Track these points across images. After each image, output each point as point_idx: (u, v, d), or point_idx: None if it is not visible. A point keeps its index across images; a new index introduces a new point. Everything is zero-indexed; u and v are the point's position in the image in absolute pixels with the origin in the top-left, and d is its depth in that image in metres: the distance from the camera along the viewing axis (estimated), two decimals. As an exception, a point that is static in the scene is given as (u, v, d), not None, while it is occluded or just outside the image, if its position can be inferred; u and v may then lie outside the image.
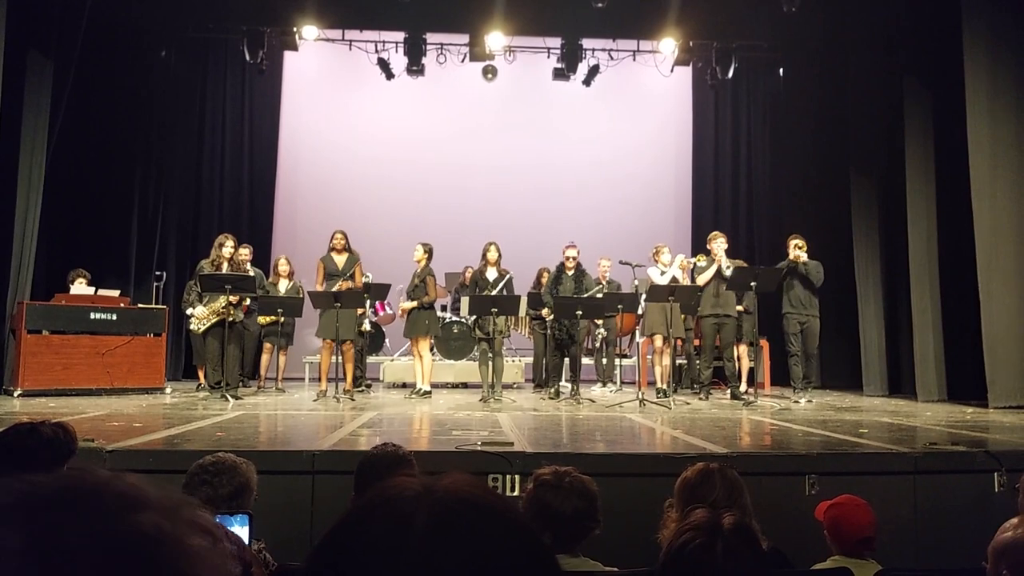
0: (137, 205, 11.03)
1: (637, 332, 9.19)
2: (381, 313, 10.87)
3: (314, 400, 8.15)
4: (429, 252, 8.79)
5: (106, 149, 10.67)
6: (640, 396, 7.75)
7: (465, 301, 8.71)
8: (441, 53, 12.17)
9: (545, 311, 8.98)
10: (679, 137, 13.38)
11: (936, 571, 3.23)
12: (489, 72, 12.45)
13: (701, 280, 8.64)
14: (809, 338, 8.63)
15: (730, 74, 12.08)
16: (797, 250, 8.64)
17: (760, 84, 12.79)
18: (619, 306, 8.46)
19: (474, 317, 8.87)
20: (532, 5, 10.91)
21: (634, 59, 12.56)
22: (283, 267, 9.57)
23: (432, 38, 12.02)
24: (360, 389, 9.22)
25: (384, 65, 12.17)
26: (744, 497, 2.71)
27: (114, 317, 8.62)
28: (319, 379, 8.75)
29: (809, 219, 10.82)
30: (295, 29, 11.67)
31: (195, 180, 11.97)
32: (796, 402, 8.34)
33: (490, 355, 8.42)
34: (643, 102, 13.30)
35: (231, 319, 8.12)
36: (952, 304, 8.76)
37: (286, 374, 9.97)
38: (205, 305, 8.38)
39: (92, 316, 8.51)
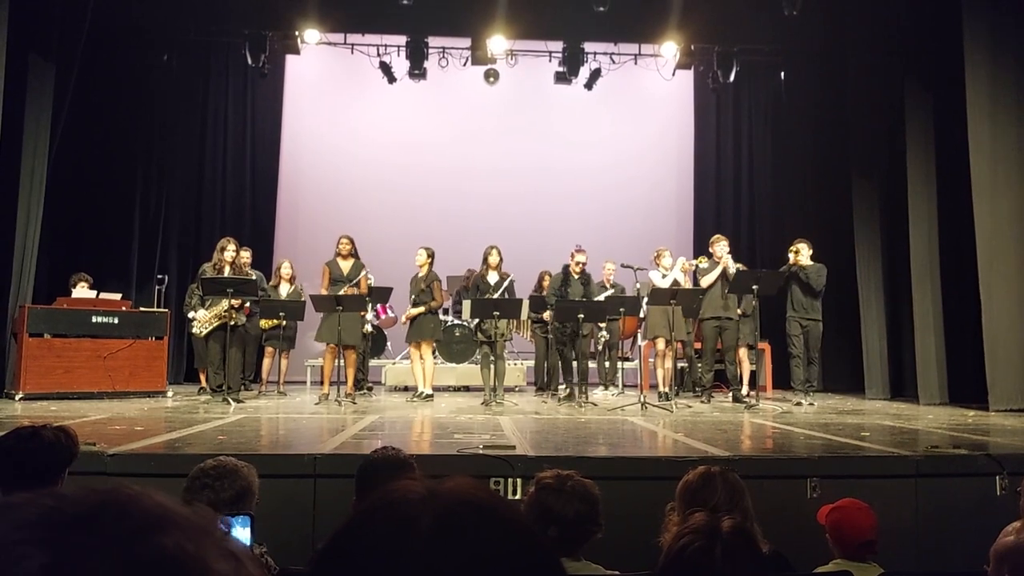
0: (139, 208, 11.06)
1: (639, 335, 9.20)
2: (383, 316, 10.87)
3: (316, 404, 8.15)
4: (432, 256, 8.81)
5: (108, 153, 10.69)
6: (642, 399, 7.74)
7: (467, 304, 8.73)
8: (443, 57, 12.18)
9: (547, 314, 8.98)
10: (681, 140, 13.38)
11: (937, 574, 3.23)
12: (491, 76, 12.46)
13: (705, 282, 8.63)
14: (811, 342, 8.62)
15: (731, 77, 12.09)
16: (795, 255, 8.63)
17: (761, 87, 12.81)
18: (621, 309, 8.46)
19: (476, 320, 8.88)
20: (534, 9, 10.93)
21: (636, 63, 12.57)
22: (285, 271, 9.58)
23: (434, 42, 12.03)
24: (362, 392, 9.23)
25: (386, 69, 12.18)
26: (745, 500, 2.70)
27: (116, 321, 8.63)
28: (321, 382, 8.75)
29: (810, 221, 10.83)
30: (297, 33, 11.70)
31: (197, 183, 11.99)
32: (798, 404, 8.35)
33: (492, 358, 8.43)
34: (645, 106, 13.30)
35: (233, 323, 8.12)
36: (953, 306, 8.76)
37: (288, 377, 9.97)
38: (207, 309, 8.39)
39: (94, 319, 8.51)
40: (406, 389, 9.82)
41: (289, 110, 12.93)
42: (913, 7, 9.27)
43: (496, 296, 8.48)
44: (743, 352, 8.99)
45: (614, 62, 12.47)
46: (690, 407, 8.04)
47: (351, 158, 12.84)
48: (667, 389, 8.57)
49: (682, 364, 9.75)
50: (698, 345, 9.51)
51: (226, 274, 8.12)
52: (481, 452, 4.48)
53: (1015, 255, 7.77)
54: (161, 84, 11.20)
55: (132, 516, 0.51)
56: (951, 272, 8.80)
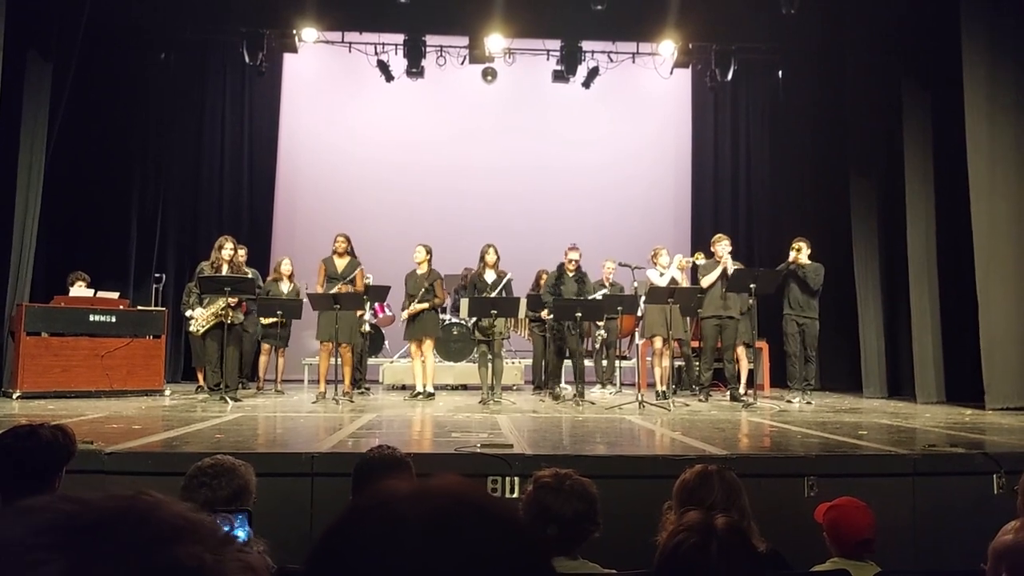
0: (136, 207, 11.05)
1: (636, 334, 9.20)
2: (380, 315, 10.86)
3: (313, 402, 8.14)
4: (431, 253, 8.81)
5: (105, 151, 10.68)
6: (640, 398, 7.75)
7: (465, 303, 8.74)
8: (441, 55, 12.17)
9: (544, 312, 8.98)
10: (678, 139, 13.37)
11: (935, 573, 3.23)
12: (488, 74, 12.46)
13: (706, 282, 8.64)
14: (808, 340, 8.64)
15: (729, 76, 12.08)
16: (796, 253, 8.66)
17: (759, 86, 12.81)
18: (619, 308, 8.47)
19: (473, 319, 8.88)
20: (531, 7, 10.92)
21: (633, 61, 12.57)
22: (285, 268, 9.58)
23: (432, 40, 12.02)
24: (361, 391, 9.23)
25: (384, 67, 12.18)
26: (743, 499, 2.71)
27: (113, 319, 8.62)
28: (318, 381, 8.75)
29: (808, 220, 10.83)
30: (295, 31, 11.68)
31: (194, 182, 11.97)
32: (789, 402, 8.38)
33: (489, 357, 8.42)
34: (642, 104, 13.30)
35: (230, 321, 8.12)
36: (951, 305, 8.77)
37: (285, 376, 9.97)
38: (204, 307, 8.39)
39: (91, 318, 8.51)
40: (404, 388, 9.81)
41: (287, 108, 12.91)
42: (912, 7, 9.27)
43: (494, 295, 8.48)
44: (741, 351, 9.00)
45: (612, 61, 12.47)
46: (687, 406, 8.04)
47: (349, 156, 12.83)
48: (664, 388, 8.58)
49: (679, 363, 9.75)
50: (696, 344, 9.52)
51: (224, 272, 8.11)
52: (479, 451, 4.48)
53: (1012, 255, 7.78)
54: (158, 82, 11.19)
55: (151, 524, 0.51)
56: (949, 271, 8.81)
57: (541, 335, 9.60)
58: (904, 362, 9.40)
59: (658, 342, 8.68)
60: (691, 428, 6.09)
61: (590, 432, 6.02)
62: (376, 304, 10.39)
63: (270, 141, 12.72)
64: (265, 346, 9.64)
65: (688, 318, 9.15)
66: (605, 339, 10.01)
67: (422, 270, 8.75)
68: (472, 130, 12.93)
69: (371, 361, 10.51)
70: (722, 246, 8.70)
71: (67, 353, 8.28)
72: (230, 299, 8.05)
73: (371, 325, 10.31)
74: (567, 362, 8.92)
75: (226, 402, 7.68)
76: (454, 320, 10.66)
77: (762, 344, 10.05)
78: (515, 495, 4.01)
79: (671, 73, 12.66)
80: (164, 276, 10.45)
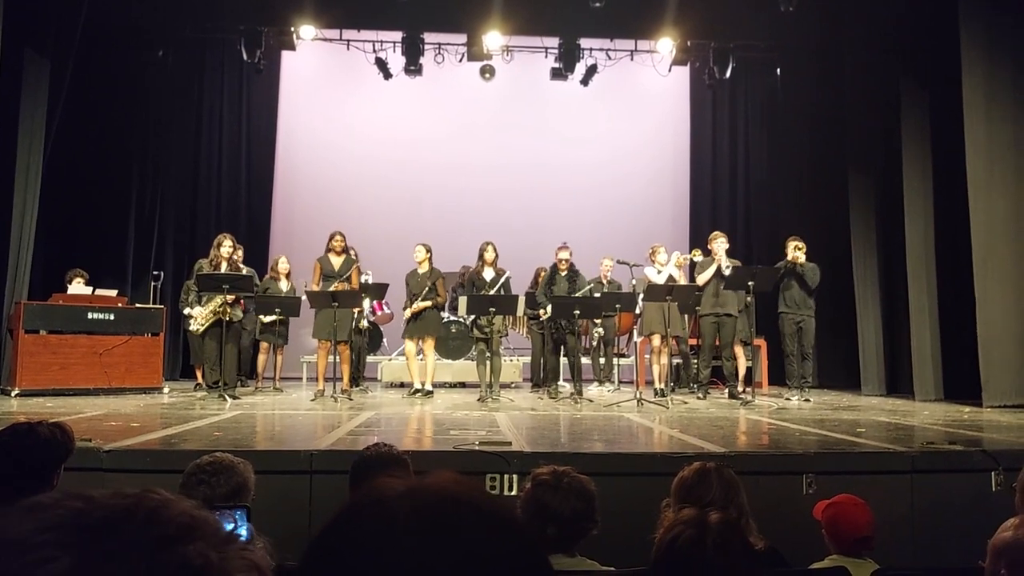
0: (134, 205, 11.05)
1: (635, 331, 9.20)
2: (379, 313, 10.86)
3: (312, 400, 8.14)
4: (431, 252, 8.81)
5: (103, 149, 10.68)
6: (638, 395, 7.75)
7: (463, 301, 8.74)
8: (439, 53, 12.16)
9: (541, 312, 8.99)
10: (677, 137, 13.37)
11: (933, 570, 3.23)
12: (487, 72, 12.45)
13: (701, 280, 8.64)
14: (805, 338, 8.65)
15: (727, 74, 12.08)
16: (796, 251, 8.66)
17: (758, 84, 12.81)
18: (617, 306, 8.46)
19: (472, 317, 8.88)
20: (530, 5, 10.91)
21: (632, 59, 12.57)
22: (283, 266, 9.58)
23: (430, 38, 12.01)
24: (360, 389, 9.23)
25: (382, 65, 12.17)
26: (741, 496, 2.71)
27: (112, 317, 8.62)
28: (317, 379, 8.75)
29: (806, 218, 10.84)
30: (293, 29, 11.67)
31: (192, 179, 11.96)
32: (788, 399, 8.38)
33: (488, 355, 8.43)
34: (641, 102, 13.30)
35: (228, 319, 8.12)
36: (949, 303, 8.78)
37: (284, 374, 9.97)
38: (203, 305, 8.38)
39: (90, 316, 8.50)
40: (402, 385, 9.82)
41: (285, 106, 12.90)
42: (910, 5, 9.27)
43: (492, 292, 8.48)
44: (739, 348, 9.01)
45: (610, 58, 12.46)
46: (686, 403, 8.05)
47: (347, 154, 12.82)
48: (663, 385, 8.58)
49: (677, 360, 9.76)
50: (694, 341, 9.53)
51: (223, 270, 8.11)
52: (477, 448, 4.48)
53: (1010, 252, 7.79)
54: (156, 80, 11.17)
55: (158, 523, 0.51)
56: (947, 269, 8.81)
57: (539, 333, 9.60)
58: (902, 359, 9.41)
59: (656, 340, 8.68)
60: (689, 426, 6.10)
61: (588, 430, 6.03)
62: (374, 302, 10.39)
63: (268, 139, 12.71)
64: (264, 344, 9.64)
65: (686, 316, 9.16)
66: (603, 337, 10.02)
67: (423, 269, 8.74)
68: (470, 128, 12.92)
69: (369, 359, 10.51)
70: (718, 243, 8.71)
71: (65, 351, 8.28)
72: (228, 296, 8.04)
73: (369, 323, 10.31)
74: (564, 360, 8.93)
75: (225, 400, 7.67)
76: (452, 318, 10.66)
77: (760, 342, 10.06)
78: (513, 493, 4.01)
79: (669, 71, 12.66)
80: (162, 274, 10.44)
